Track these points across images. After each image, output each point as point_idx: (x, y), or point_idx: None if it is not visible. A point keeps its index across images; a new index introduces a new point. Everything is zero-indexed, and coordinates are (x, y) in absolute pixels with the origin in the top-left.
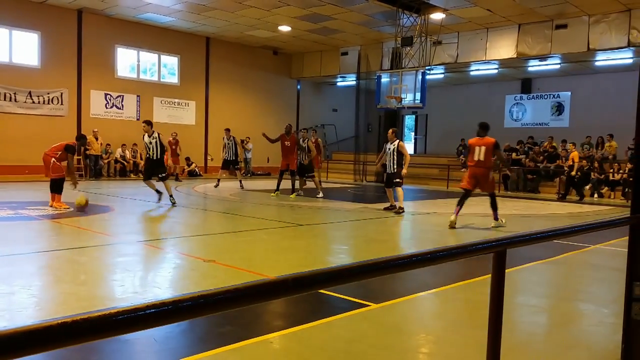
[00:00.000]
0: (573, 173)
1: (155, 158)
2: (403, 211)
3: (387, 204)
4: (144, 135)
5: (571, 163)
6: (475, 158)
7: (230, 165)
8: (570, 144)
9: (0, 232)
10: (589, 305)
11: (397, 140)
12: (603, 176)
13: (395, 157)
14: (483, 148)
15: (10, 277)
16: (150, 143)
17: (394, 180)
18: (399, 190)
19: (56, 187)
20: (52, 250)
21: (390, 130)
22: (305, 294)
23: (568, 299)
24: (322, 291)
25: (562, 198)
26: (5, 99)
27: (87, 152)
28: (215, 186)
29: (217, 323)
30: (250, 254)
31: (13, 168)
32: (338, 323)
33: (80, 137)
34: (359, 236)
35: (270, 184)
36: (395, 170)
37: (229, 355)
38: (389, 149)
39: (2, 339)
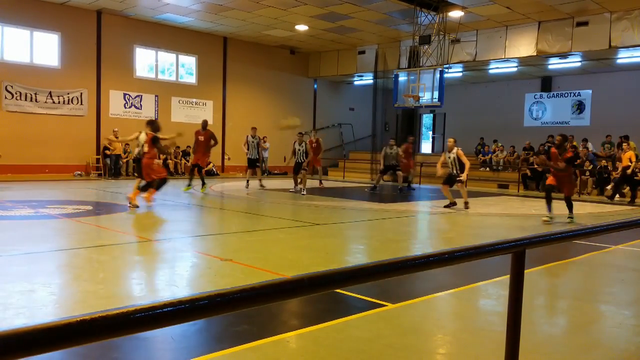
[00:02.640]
0: (629, 172)
1: None
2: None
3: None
4: None
5: (629, 163)
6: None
7: (254, 164)
8: (625, 144)
9: (21, 231)
10: (610, 306)
11: (456, 148)
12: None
13: (457, 163)
14: None
15: (30, 275)
16: None
17: (457, 179)
18: (463, 187)
19: (160, 184)
20: (72, 249)
21: (452, 140)
22: (322, 294)
23: (588, 300)
24: (338, 291)
25: (611, 197)
26: (26, 99)
27: (108, 151)
28: (247, 187)
29: (233, 322)
30: (267, 253)
31: (33, 167)
32: (354, 323)
33: (151, 122)
34: (375, 236)
35: (288, 183)
36: (458, 172)
37: (245, 354)
38: (449, 157)
39: (23, 336)
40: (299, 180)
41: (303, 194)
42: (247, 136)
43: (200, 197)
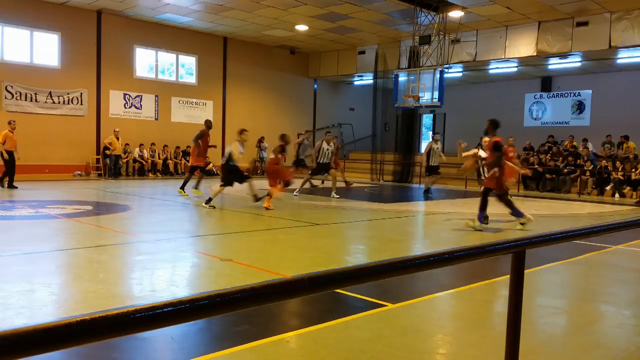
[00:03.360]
0: None
1: None
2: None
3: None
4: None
5: None
6: None
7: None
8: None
9: (21, 231)
10: (610, 306)
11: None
12: (623, 174)
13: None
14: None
15: (30, 275)
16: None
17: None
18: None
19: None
20: (72, 249)
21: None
22: (322, 294)
23: (588, 300)
24: (338, 291)
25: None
26: (26, 99)
27: (108, 152)
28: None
29: (233, 322)
30: (267, 253)
31: (33, 167)
32: (354, 323)
33: (283, 136)
34: (375, 236)
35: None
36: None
37: (245, 354)
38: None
39: (23, 336)
40: (321, 182)
41: (336, 197)
42: (323, 141)
43: (203, 197)
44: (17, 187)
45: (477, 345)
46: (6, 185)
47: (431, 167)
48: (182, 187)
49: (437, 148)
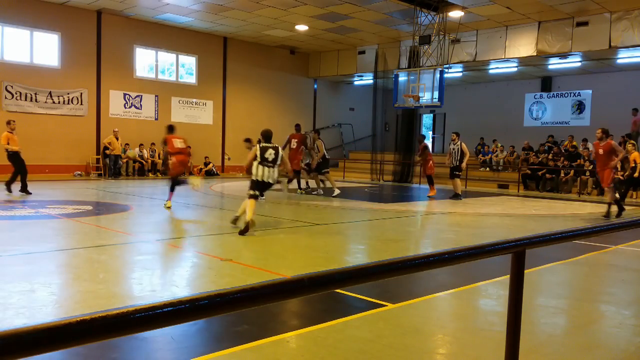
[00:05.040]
0: (636, 175)
1: None
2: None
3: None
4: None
5: (633, 164)
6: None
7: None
8: (630, 144)
9: (21, 231)
10: (610, 306)
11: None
12: (623, 174)
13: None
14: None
15: (30, 275)
16: None
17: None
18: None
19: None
20: (72, 249)
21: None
22: (322, 294)
23: (588, 300)
24: (338, 291)
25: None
26: (26, 99)
27: (108, 151)
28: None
29: (233, 322)
30: (267, 253)
31: (33, 167)
32: (354, 323)
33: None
34: (375, 236)
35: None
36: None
37: (245, 354)
38: (453, 149)
39: (23, 336)
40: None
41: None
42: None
43: (202, 197)
44: (31, 193)
45: (477, 345)
46: (14, 190)
47: (450, 168)
48: (300, 187)
49: (452, 149)
